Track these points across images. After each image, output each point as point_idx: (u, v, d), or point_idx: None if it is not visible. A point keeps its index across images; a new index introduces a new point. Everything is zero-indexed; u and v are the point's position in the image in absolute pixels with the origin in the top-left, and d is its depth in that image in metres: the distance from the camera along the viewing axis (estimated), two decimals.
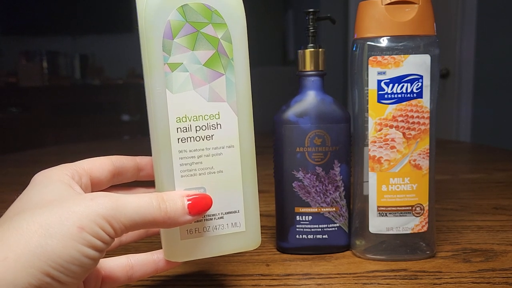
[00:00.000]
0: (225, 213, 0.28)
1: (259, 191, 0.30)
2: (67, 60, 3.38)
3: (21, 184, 0.26)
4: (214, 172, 0.28)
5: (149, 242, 0.39)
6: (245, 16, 0.27)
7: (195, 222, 0.27)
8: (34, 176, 0.26)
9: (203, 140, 0.27)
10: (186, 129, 0.27)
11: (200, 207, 0.26)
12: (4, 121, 3.10)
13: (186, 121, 0.27)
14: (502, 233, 0.46)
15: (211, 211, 0.27)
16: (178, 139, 0.27)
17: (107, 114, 3.20)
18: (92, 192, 0.27)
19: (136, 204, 0.24)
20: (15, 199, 0.25)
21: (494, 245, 0.43)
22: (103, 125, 3.15)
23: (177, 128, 0.27)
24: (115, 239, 0.24)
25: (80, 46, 3.48)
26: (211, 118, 0.27)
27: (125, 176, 0.30)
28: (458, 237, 0.45)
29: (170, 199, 0.25)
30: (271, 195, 0.42)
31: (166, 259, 0.29)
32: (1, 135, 3.09)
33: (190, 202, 0.26)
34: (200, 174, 0.27)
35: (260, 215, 0.30)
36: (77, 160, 0.29)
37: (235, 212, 0.29)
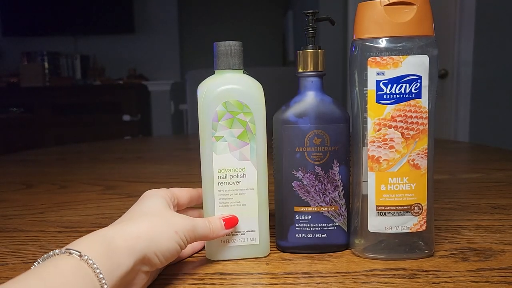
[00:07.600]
0: (246, 231, 0.42)
1: None
2: (68, 60, 3.39)
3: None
4: (240, 205, 0.41)
5: None
6: (264, 105, 0.40)
7: (227, 235, 0.41)
8: (146, 191, 0.40)
9: (234, 184, 0.41)
10: (223, 177, 0.41)
11: (231, 224, 0.40)
12: (5, 121, 3.11)
13: (224, 172, 0.41)
14: (500, 232, 0.46)
15: (236, 229, 0.41)
16: (219, 183, 0.41)
17: (108, 114, 3.21)
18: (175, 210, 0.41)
19: (200, 225, 0.38)
20: (129, 208, 0.38)
21: (492, 244, 0.43)
22: (104, 125, 3.15)
23: (218, 176, 0.41)
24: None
25: (81, 46, 3.48)
26: (239, 171, 0.41)
27: (190, 204, 0.44)
28: (456, 236, 0.45)
29: (213, 221, 0.39)
30: (271, 195, 0.42)
31: (207, 257, 0.42)
32: (2, 135, 3.09)
33: (225, 222, 0.40)
34: (231, 205, 0.41)
35: None
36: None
37: (252, 231, 0.42)
